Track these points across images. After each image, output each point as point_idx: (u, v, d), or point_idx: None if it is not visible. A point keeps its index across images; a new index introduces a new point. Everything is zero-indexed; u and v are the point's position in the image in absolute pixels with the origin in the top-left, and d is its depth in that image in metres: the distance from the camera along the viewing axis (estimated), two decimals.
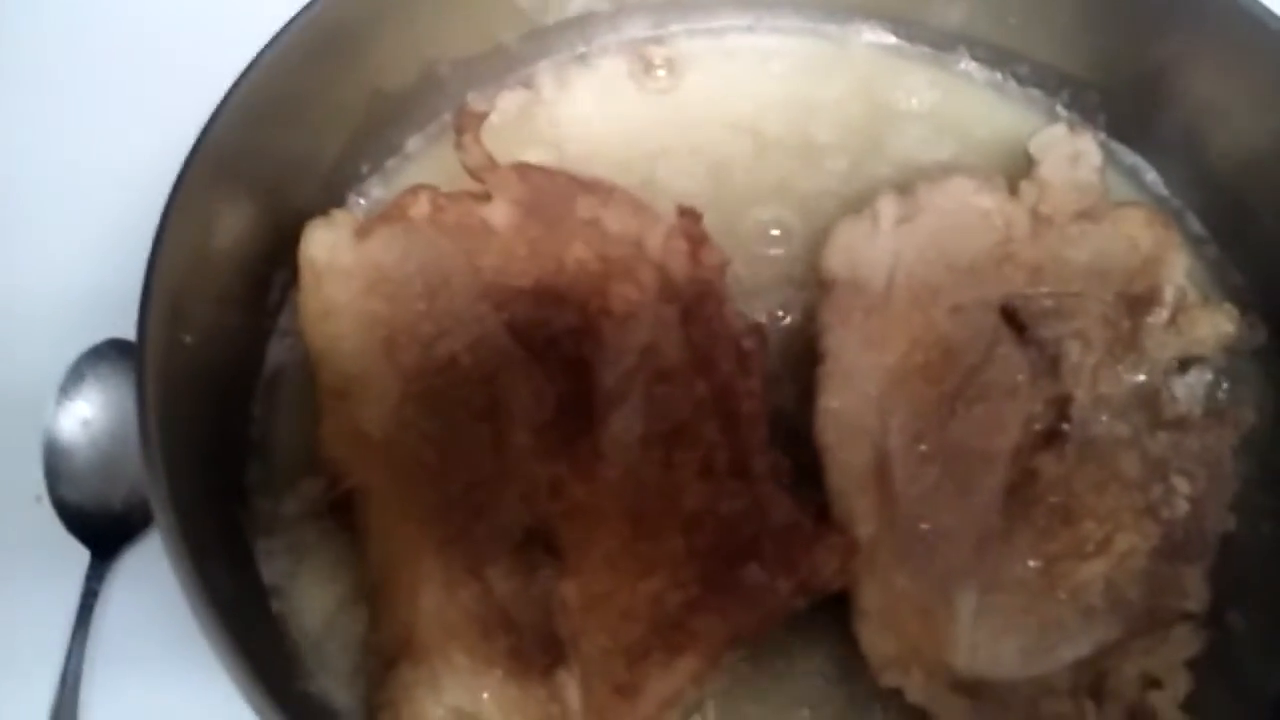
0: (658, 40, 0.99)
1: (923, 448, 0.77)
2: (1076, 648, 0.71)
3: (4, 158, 0.99)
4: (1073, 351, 0.80)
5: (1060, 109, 0.98)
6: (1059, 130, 0.91)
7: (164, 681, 0.79)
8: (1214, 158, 0.91)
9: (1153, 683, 0.70)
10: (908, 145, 0.95)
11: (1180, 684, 0.70)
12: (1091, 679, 0.70)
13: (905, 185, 0.87)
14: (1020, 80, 0.99)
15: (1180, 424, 0.79)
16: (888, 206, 0.85)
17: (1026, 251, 0.84)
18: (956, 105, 0.98)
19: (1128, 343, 0.81)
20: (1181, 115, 0.92)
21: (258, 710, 0.61)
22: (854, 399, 0.78)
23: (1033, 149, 0.90)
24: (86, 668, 0.79)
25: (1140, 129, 0.95)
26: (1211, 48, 0.88)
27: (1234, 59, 0.87)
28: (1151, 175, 0.95)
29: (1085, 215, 0.86)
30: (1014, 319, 0.82)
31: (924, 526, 0.74)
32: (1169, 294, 0.83)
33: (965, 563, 0.73)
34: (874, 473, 0.76)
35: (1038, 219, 0.86)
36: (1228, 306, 0.84)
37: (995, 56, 0.99)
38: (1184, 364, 0.82)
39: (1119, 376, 0.80)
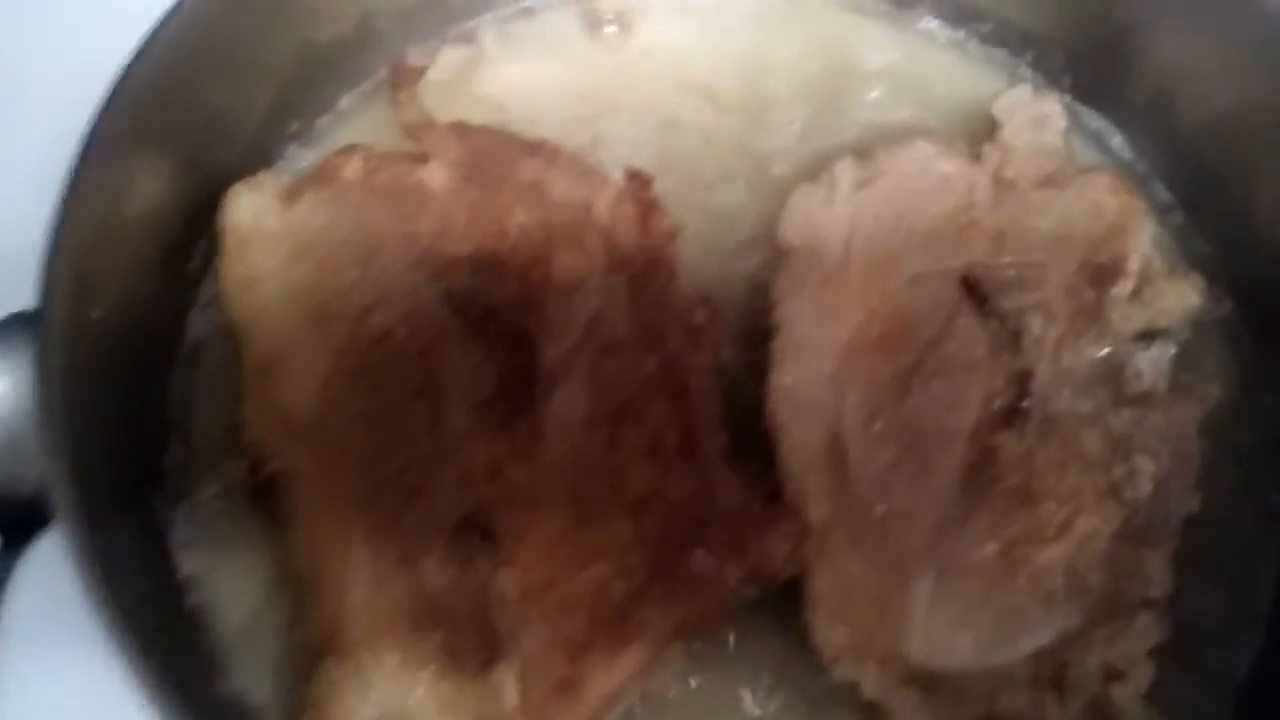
0: None
1: (878, 426, 0.75)
2: (1036, 637, 0.69)
3: None
4: (1034, 324, 0.78)
5: (1024, 70, 0.95)
6: (1023, 93, 0.88)
7: (76, 675, 0.74)
8: (1181, 121, 0.89)
9: (1115, 674, 0.68)
10: (866, 106, 0.92)
11: (1143, 675, 0.68)
12: (1052, 670, 0.69)
13: (864, 149, 0.85)
14: (983, 39, 0.96)
15: (1144, 400, 0.77)
16: (845, 171, 0.83)
17: (988, 218, 0.82)
18: (917, 65, 0.94)
19: (1091, 315, 0.79)
20: (1149, 77, 0.90)
21: (169, 717, 0.57)
22: (808, 374, 0.76)
23: (996, 112, 0.87)
24: None
25: (1107, 91, 0.93)
26: (1180, 6, 0.85)
27: (1202, 18, 0.85)
28: (1118, 139, 0.93)
29: (1049, 181, 0.84)
30: (975, 290, 0.80)
31: (879, 509, 0.72)
32: (1134, 264, 0.81)
33: (922, 547, 0.71)
34: (828, 452, 0.73)
35: (1000, 184, 0.83)
36: (1194, 277, 0.82)
37: (958, 14, 0.96)
38: (1148, 336, 0.80)
39: (1081, 350, 0.78)
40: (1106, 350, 0.78)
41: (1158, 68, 0.88)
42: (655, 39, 0.94)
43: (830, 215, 0.81)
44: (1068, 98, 0.92)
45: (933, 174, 0.83)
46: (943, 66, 0.95)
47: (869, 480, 0.73)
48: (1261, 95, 0.83)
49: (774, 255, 0.81)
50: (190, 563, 0.73)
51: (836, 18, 0.96)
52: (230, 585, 0.73)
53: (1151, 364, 0.79)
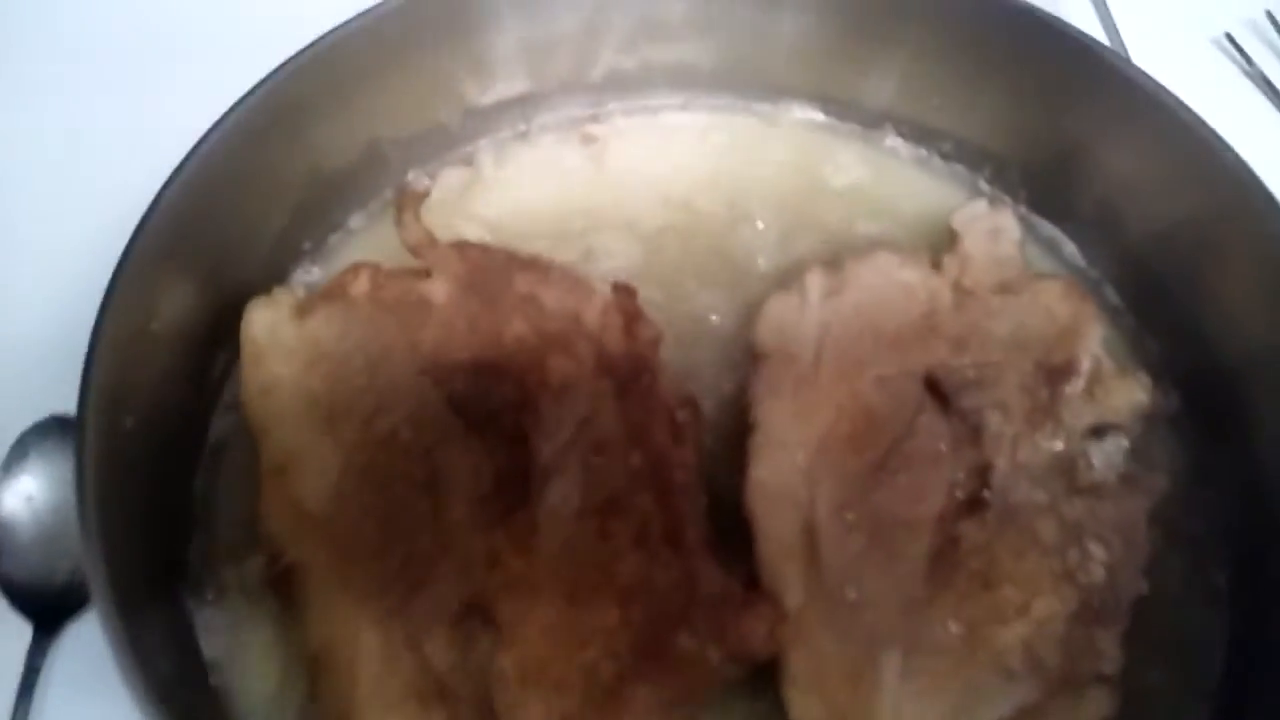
0: (595, 119, 1.03)
1: (849, 516, 0.79)
2: (996, 710, 0.73)
3: None
4: (993, 421, 0.83)
5: (982, 184, 1.02)
6: (980, 206, 0.95)
7: None
8: (1128, 232, 0.95)
9: None
10: (836, 220, 0.98)
11: None
12: None
13: (833, 259, 0.90)
14: (945, 156, 1.03)
15: (1096, 491, 0.82)
16: (816, 281, 0.89)
17: (949, 323, 0.87)
18: (883, 181, 1.01)
19: (1046, 412, 0.84)
20: (1097, 192, 0.96)
21: None
22: (783, 469, 0.81)
23: (955, 224, 0.93)
24: None
25: (1059, 204, 0.99)
26: (1125, 130, 0.92)
27: (1146, 141, 0.92)
28: (1070, 248, 0.99)
29: (1005, 288, 0.89)
30: (937, 389, 0.84)
31: (850, 593, 0.76)
32: (1085, 364, 0.86)
33: (890, 628, 0.75)
34: (802, 541, 0.78)
35: (960, 291, 0.89)
36: (1141, 376, 0.87)
37: (921, 134, 1.03)
38: (1100, 431, 0.84)
39: (1037, 445, 0.83)
40: (1060, 444, 0.83)
41: (1105, 183, 0.95)
42: (640, 159, 1.01)
43: (802, 321, 0.87)
44: (1023, 209, 0.99)
45: (897, 282, 0.89)
46: (907, 182, 1.02)
47: (840, 566, 0.77)
48: (1199, 210, 0.90)
49: (751, 359, 0.86)
50: (213, 647, 0.77)
51: (809, 137, 1.03)
52: (250, 667, 0.77)
53: (1103, 457, 0.84)
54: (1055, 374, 0.86)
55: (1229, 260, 0.89)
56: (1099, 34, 1.15)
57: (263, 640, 0.78)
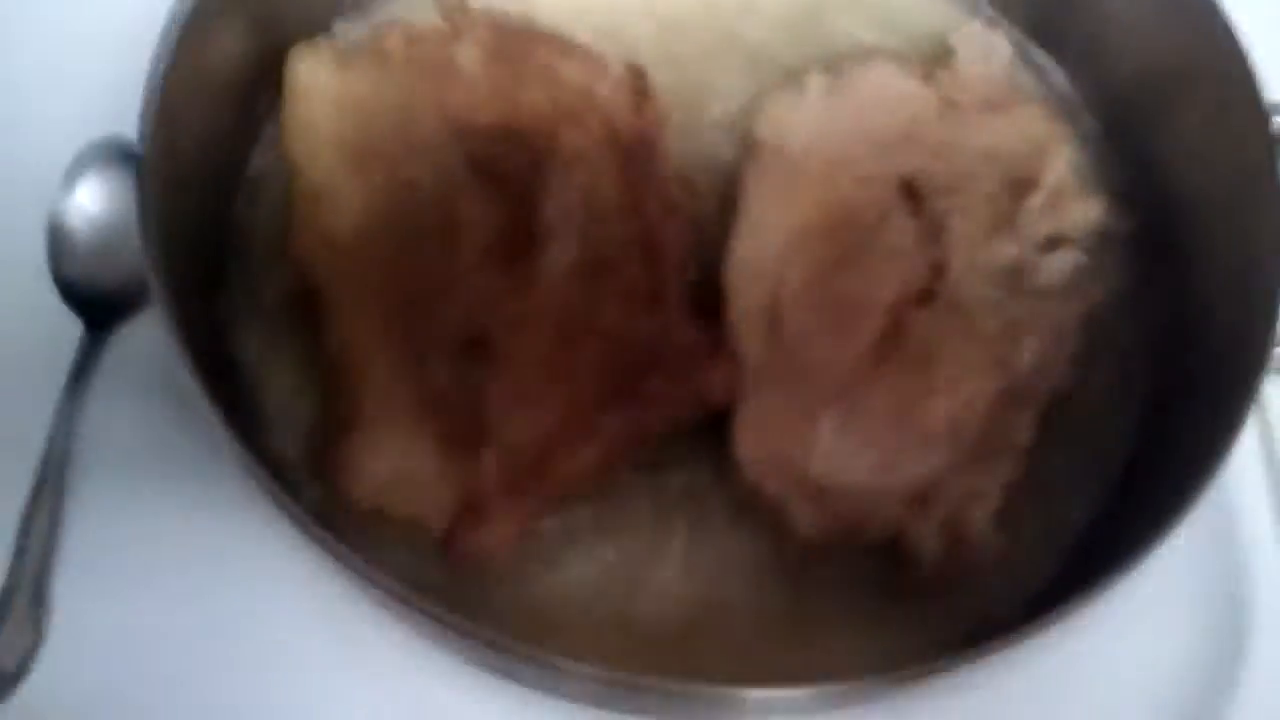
0: None
1: (812, 295, 0.87)
2: (917, 468, 0.82)
3: None
4: (956, 224, 0.90)
5: (984, 6, 1.06)
6: (976, 26, 1.00)
7: (145, 444, 0.90)
8: (1114, 65, 1.01)
9: (971, 495, 0.81)
10: (841, 30, 1.03)
11: (992, 500, 0.82)
12: (922, 490, 0.82)
13: (834, 64, 0.96)
14: None
15: (1039, 294, 0.89)
16: (814, 82, 0.94)
17: (931, 133, 0.93)
18: None
19: (1006, 220, 0.91)
20: (1090, 24, 1.01)
21: (233, 454, 0.72)
22: (760, 248, 0.88)
23: (951, 41, 0.99)
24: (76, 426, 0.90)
25: (1052, 33, 1.04)
26: None
27: None
28: (1058, 75, 1.05)
29: (989, 105, 0.95)
30: (912, 191, 0.91)
31: (802, 359, 0.85)
32: (1048, 180, 0.92)
33: (833, 391, 0.84)
34: (766, 311, 0.86)
35: (947, 105, 0.95)
36: (1098, 197, 0.94)
37: None
38: (1054, 243, 0.92)
39: (993, 249, 0.90)
40: (1014, 250, 0.90)
41: (1098, 17, 1.00)
42: None
43: (797, 118, 0.93)
44: (1018, 34, 1.05)
45: (890, 91, 0.95)
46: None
47: (797, 335, 0.85)
48: (1178, 52, 0.95)
49: (745, 148, 0.93)
50: (242, 352, 0.87)
51: None
52: (274, 371, 0.87)
53: (1052, 267, 0.91)
54: (1019, 187, 0.92)
55: (1198, 102, 0.95)
56: None
57: (285, 349, 0.88)
